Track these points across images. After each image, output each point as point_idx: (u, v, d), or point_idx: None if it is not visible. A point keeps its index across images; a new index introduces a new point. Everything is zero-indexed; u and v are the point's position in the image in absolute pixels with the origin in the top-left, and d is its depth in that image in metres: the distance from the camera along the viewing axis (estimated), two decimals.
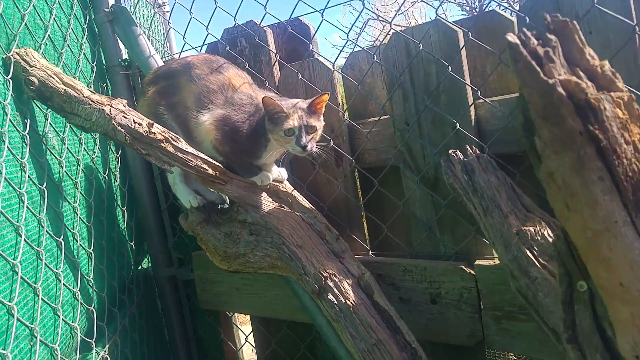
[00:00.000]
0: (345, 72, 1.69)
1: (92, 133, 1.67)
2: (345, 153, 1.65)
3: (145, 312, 1.98)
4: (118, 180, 1.99)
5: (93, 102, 1.35)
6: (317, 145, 1.45)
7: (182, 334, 2.16)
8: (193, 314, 2.18)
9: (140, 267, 2.09)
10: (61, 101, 1.34)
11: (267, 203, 1.57)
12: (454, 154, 1.36)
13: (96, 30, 1.98)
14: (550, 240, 1.12)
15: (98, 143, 1.84)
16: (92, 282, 1.54)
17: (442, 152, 1.44)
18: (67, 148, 1.56)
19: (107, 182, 1.87)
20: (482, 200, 1.29)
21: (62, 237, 1.36)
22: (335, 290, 1.41)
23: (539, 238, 1.13)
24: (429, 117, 1.49)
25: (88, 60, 1.89)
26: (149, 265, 2.19)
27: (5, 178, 1.15)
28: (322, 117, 1.48)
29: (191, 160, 1.42)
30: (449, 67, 1.38)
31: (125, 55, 2.02)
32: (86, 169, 1.69)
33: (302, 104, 1.44)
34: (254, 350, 2.17)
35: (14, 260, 1.13)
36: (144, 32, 2.00)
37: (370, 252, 1.67)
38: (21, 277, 1.14)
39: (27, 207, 1.21)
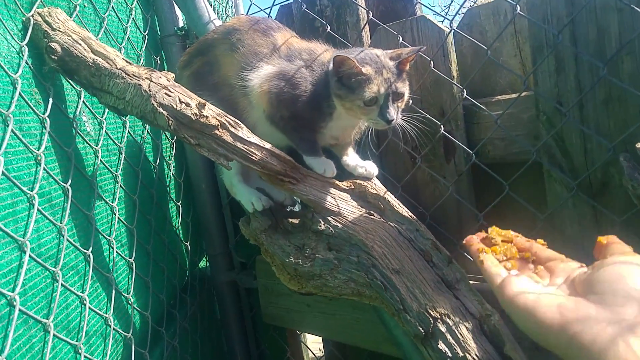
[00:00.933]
0: (459, 35, 1.23)
1: (128, 116, 1.36)
2: (460, 143, 1.20)
3: (201, 320, 1.70)
4: (172, 170, 1.69)
5: (128, 75, 1.02)
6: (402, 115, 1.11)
7: (243, 346, 1.86)
8: (256, 326, 1.87)
9: (196, 269, 1.80)
10: (89, 74, 1.02)
11: (352, 209, 1.18)
12: None
13: None
14: None
15: (148, 126, 1.53)
16: (132, 299, 1.24)
17: (619, 146, 0.97)
18: (107, 133, 1.26)
19: (159, 173, 1.57)
20: None
21: (90, 248, 1.05)
22: (448, 337, 1.00)
23: None
24: (599, 95, 1.01)
25: (139, 29, 1.57)
26: (207, 265, 1.90)
27: (6, 176, 0.84)
28: (406, 78, 1.12)
29: (254, 153, 1.06)
30: None
31: (182, 23, 1.69)
32: (131, 159, 1.39)
33: (386, 60, 1.08)
34: None
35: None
36: None
37: None
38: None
39: (38, 211, 0.90)
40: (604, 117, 1.01)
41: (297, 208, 1.36)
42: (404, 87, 1.10)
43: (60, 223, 0.96)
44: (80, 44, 1.01)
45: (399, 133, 1.16)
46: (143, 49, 1.57)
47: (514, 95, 1.17)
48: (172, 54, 1.67)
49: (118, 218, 1.22)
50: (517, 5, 1.02)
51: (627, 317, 0.55)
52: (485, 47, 1.07)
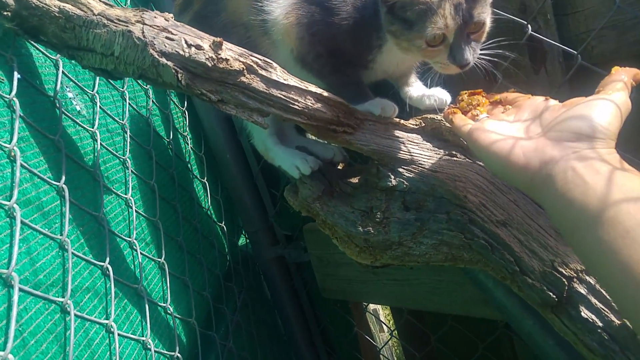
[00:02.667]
0: None
1: (123, 79, 1.09)
2: (554, 42, 0.92)
3: (252, 308, 1.50)
4: (190, 143, 1.44)
5: (111, 20, 0.75)
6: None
7: (302, 325, 1.67)
8: (313, 303, 1.67)
9: (236, 250, 1.58)
10: (58, 29, 0.75)
11: (427, 153, 0.92)
12: None
13: None
14: None
15: (152, 94, 1.27)
16: (171, 308, 1.02)
17: None
18: (102, 109, 1.00)
19: (175, 149, 1.32)
20: None
21: (107, 259, 0.82)
22: (592, 299, 0.75)
23: None
24: None
25: None
26: (247, 243, 1.68)
27: None
28: None
29: (297, 100, 0.79)
30: None
31: None
32: (139, 137, 1.14)
33: None
34: (400, 346, 1.63)
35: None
36: None
37: None
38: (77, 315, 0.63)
39: (24, 225, 0.66)
40: None
41: None
42: (484, 12, 0.78)
43: (60, 235, 0.72)
44: None
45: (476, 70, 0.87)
46: (128, 1, 1.29)
47: None
48: (162, 2, 1.38)
49: (136, 212, 0.98)
50: None
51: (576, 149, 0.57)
52: None
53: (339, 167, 1.09)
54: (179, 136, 1.40)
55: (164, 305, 0.98)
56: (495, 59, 0.83)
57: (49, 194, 0.73)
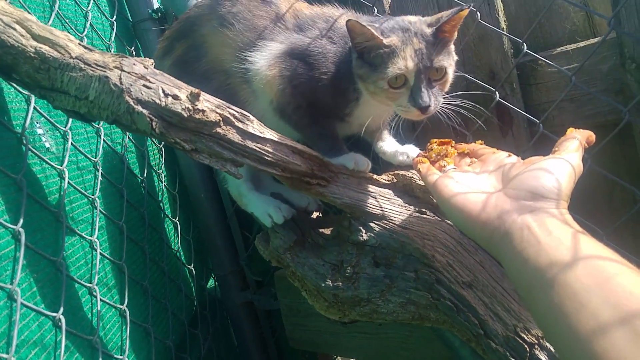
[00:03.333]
0: None
1: (95, 122, 1.08)
2: (519, 110, 0.95)
3: (217, 356, 1.44)
4: (164, 181, 1.42)
5: (89, 65, 0.75)
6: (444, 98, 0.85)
7: None
8: (281, 353, 1.62)
9: (204, 294, 1.54)
10: (32, 69, 0.75)
11: (398, 209, 0.93)
12: None
13: None
14: None
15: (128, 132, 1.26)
16: (127, 350, 0.98)
17: None
18: (74, 146, 0.99)
19: (148, 187, 1.31)
20: None
21: (60, 310, 0.78)
22: None
23: None
24: None
25: (104, 14, 1.29)
26: (215, 285, 1.64)
27: None
28: (453, 48, 0.84)
29: (271, 152, 0.80)
30: None
31: (157, 4, 1.42)
32: (112, 175, 1.12)
33: (422, 26, 0.81)
34: None
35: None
36: None
37: None
38: None
39: None
40: None
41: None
42: (446, 61, 0.82)
43: (10, 284, 0.68)
44: (14, 28, 0.74)
45: (442, 118, 0.90)
46: (112, 38, 1.30)
47: (582, 44, 0.92)
48: (149, 42, 1.41)
49: (101, 254, 0.95)
50: None
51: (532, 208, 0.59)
52: None
53: (312, 216, 1.09)
54: (154, 174, 1.38)
55: (121, 357, 0.93)
56: (463, 110, 0.85)
57: (4, 238, 0.70)
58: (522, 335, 0.77)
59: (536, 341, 0.77)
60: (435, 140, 0.88)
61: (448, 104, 0.85)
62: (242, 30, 0.94)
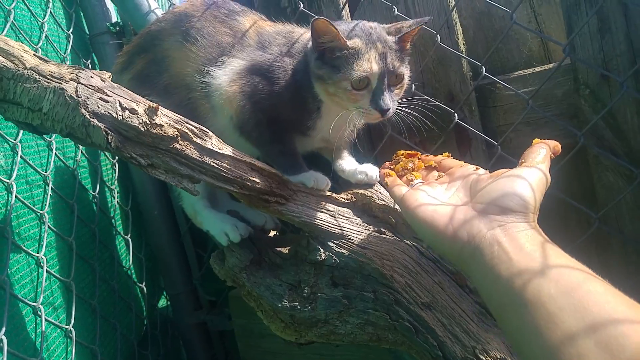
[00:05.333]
0: (459, 3, 1.03)
1: (48, 135, 1.04)
2: (477, 132, 0.99)
3: None
4: (117, 197, 1.37)
5: (44, 76, 0.72)
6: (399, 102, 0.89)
7: None
8: None
9: (155, 313, 1.48)
10: None
11: (357, 228, 0.94)
12: None
13: None
14: None
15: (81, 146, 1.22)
16: None
17: None
18: (24, 159, 0.94)
19: (100, 203, 1.26)
20: None
21: (2, 329, 0.73)
22: None
23: None
24: None
25: (60, 26, 1.26)
26: (168, 305, 1.58)
27: None
28: (408, 58, 0.89)
29: (229, 169, 0.79)
30: None
31: (116, 18, 1.40)
32: (63, 189, 1.07)
33: (381, 31, 0.85)
34: None
35: None
36: None
37: None
38: None
39: None
40: None
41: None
42: (404, 68, 0.87)
43: None
44: None
45: (397, 124, 0.94)
46: (68, 51, 1.26)
47: (538, 69, 0.98)
48: (106, 55, 1.38)
49: (47, 272, 0.90)
50: None
51: (501, 223, 0.58)
52: (508, 10, 0.87)
53: (270, 235, 1.08)
54: (106, 189, 1.33)
55: None
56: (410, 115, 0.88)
57: None
58: (481, 357, 0.79)
59: None
60: (402, 152, 0.89)
61: (401, 108, 0.88)
62: (205, 45, 0.94)
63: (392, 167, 0.87)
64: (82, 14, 1.40)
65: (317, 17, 0.79)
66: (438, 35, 0.96)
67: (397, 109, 0.87)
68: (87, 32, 1.41)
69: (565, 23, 0.90)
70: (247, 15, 0.98)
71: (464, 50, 1.02)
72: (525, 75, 0.98)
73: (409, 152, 0.88)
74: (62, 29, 1.27)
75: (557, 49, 0.98)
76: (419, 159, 0.86)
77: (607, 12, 0.85)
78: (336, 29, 0.80)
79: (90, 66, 1.38)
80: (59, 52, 1.22)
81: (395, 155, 0.89)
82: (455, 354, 0.79)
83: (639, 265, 0.92)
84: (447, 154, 0.85)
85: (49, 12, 1.21)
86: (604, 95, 0.88)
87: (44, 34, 1.15)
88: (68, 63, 1.25)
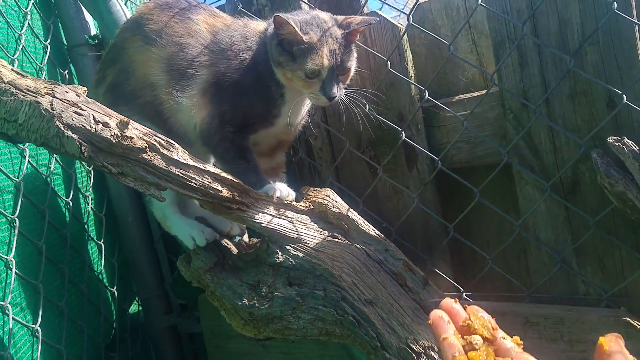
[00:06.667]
0: (412, 31, 1.14)
1: (23, 144, 1.10)
2: (422, 149, 1.10)
3: None
4: (90, 203, 1.43)
5: (20, 90, 0.80)
6: (351, 91, 1.01)
7: None
8: None
9: (125, 317, 1.53)
10: None
11: (313, 233, 1.03)
12: (619, 144, 0.84)
13: None
14: None
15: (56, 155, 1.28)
16: None
17: (588, 143, 0.92)
18: None
19: (73, 209, 1.31)
20: None
21: None
22: None
23: None
24: (564, 89, 0.95)
25: (37, 37, 1.32)
26: (140, 310, 1.64)
27: None
28: (354, 49, 1.00)
29: (194, 179, 0.87)
30: (614, 2, 0.83)
31: (95, 30, 1.46)
32: (34, 196, 1.13)
33: (334, 28, 0.96)
34: None
35: None
36: None
37: (463, 294, 1.13)
38: None
39: None
40: (570, 112, 0.96)
41: (245, 237, 1.18)
42: (351, 61, 0.99)
43: None
44: None
45: (342, 111, 1.05)
46: (45, 61, 1.32)
47: (476, 94, 1.09)
48: (84, 66, 1.44)
49: (16, 274, 0.96)
50: None
51: None
52: (447, 42, 0.99)
53: (234, 240, 1.16)
54: (80, 196, 1.39)
55: None
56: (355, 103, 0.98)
57: None
58: (412, 346, 0.89)
59: (423, 350, 0.89)
60: (473, 310, 0.66)
61: (348, 93, 0.99)
62: (165, 46, 1.01)
63: (456, 325, 0.65)
64: (60, 25, 1.46)
65: (278, 14, 0.90)
66: (388, 62, 1.06)
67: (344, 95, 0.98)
68: (66, 43, 1.47)
69: (494, 56, 1.01)
70: (200, 13, 1.05)
71: (413, 75, 1.12)
72: (464, 99, 1.09)
73: (484, 321, 0.66)
74: (40, 40, 1.33)
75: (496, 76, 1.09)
76: (493, 347, 0.64)
77: (525, 49, 0.97)
78: (294, 27, 0.90)
79: (67, 77, 1.44)
80: (35, 63, 1.28)
81: (468, 313, 0.66)
82: (391, 344, 0.89)
83: (552, 267, 1.03)
84: (517, 339, 0.66)
85: (26, 24, 1.27)
86: (524, 119, 1.00)
87: (21, 46, 1.21)
88: (44, 74, 1.32)
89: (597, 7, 0.89)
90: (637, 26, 0.88)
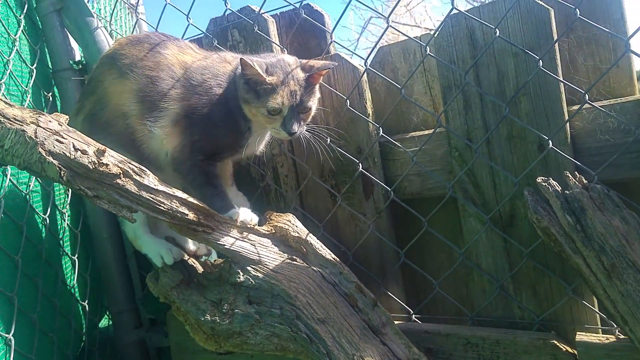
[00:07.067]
0: (373, 72, 1.25)
1: (6, 167, 1.17)
2: (378, 180, 1.20)
3: None
4: (67, 220, 1.49)
5: (7, 119, 0.87)
6: (315, 128, 1.12)
7: None
8: None
9: (95, 331, 1.58)
10: None
11: (273, 256, 1.11)
12: (546, 184, 0.94)
13: (39, 22, 1.51)
14: None
15: None
16: None
17: (522, 181, 1.02)
18: None
19: (50, 225, 1.38)
20: (603, 255, 0.87)
21: None
22: None
23: None
24: (502, 132, 1.07)
25: (24, 62, 1.40)
26: (110, 325, 1.68)
27: None
28: (318, 88, 1.12)
29: (163, 203, 0.96)
30: (540, 61, 0.95)
31: (79, 56, 1.55)
32: (13, 212, 1.20)
33: (298, 72, 1.06)
34: None
35: None
36: (104, 24, 1.54)
37: (412, 315, 1.22)
38: None
39: None
40: (507, 152, 1.07)
41: (214, 256, 1.26)
42: (311, 101, 1.09)
43: None
44: None
45: (304, 145, 1.14)
46: (30, 84, 1.40)
47: (427, 132, 1.20)
48: (67, 90, 1.52)
49: None
50: (427, 47, 1.06)
51: None
52: (399, 86, 1.10)
53: (201, 260, 1.23)
54: (57, 213, 1.46)
55: None
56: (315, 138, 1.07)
57: None
58: None
59: None
60: None
61: (309, 130, 1.10)
62: (137, 79, 1.10)
63: None
64: (47, 50, 1.54)
65: (242, 57, 1.00)
66: (347, 101, 1.17)
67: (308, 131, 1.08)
68: (51, 67, 1.55)
69: (442, 99, 1.13)
70: (169, 48, 1.14)
71: (371, 113, 1.23)
72: (415, 137, 1.20)
73: None
74: (26, 64, 1.41)
75: (442, 117, 1.20)
76: None
77: (469, 95, 1.08)
78: (258, 69, 1.00)
79: (51, 99, 1.52)
80: (21, 86, 1.36)
81: None
82: (339, 359, 0.97)
83: (492, 293, 1.13)
84: None
85: (15, 50, 1.35)
86: (468, 157, 1.11)
87: (9, 70, 1.29)
88: (29, 96, 1.40)
89: (528, 63, 1.02)
90: (558, 87, 1.00)
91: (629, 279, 0.84)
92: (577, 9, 0.90)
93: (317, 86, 1.12)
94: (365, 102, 1.21)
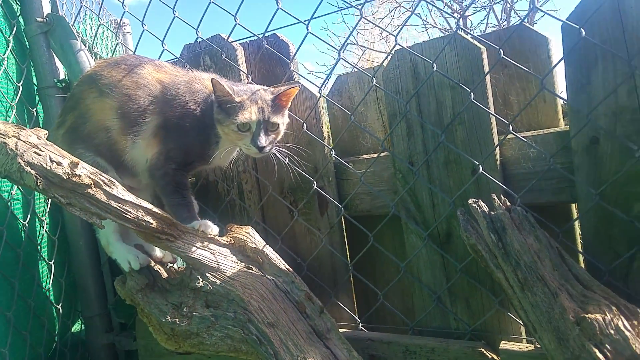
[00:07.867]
0: (332, 99, 1.38)
1: None
2: (331, 198, 1.32)
3: None
4: (45, 227, 1.58)
5: None
6: (277, 146, 1.22)
7: None
8: None
9: (68, 334, 1.66)
10: None
11: (231, 264, 1.21)
12: (475, 205, 1.06)
13: (26, 43, 1.63)
14: (629, 334, 0.81)
15: None
16: None
17: (457, 202, 1.14)
18: None
19: (29, 231, 1.47)
20: (518, 270, 0.98)
21: None
22: None
23: (611, 331, 0.82)
24: (440, 157, 1.19)
25: (11, 79, 1.51)
26: (82, 329, 1.76)
27: None
28: (286, 113, 1.22)
29: (129, 212, 1.06)
30: (472, 93, 1.08)
31: (63, 75, 1.66)
32: None
33: (265, 94, 1.17)
34: None
35: None
36: (87, 46, 1.66)
37: (359, 324, 1.33)
38: None
39: None
40: (445, 176, 1.19)
41: (180, 263, 1.35)
42: (279, 119, 1.18)
43: None
44: None
45: (274, 164, 1.25)
46: (16, 100, 1.51)
47: (375, 155, 1.32)
48: (51, 105, 1.63)
49: None
50: (374, 78, 1.19)
51: None
52: (349, 112, 1.22)
53: (166, 266, 1.33)
54: (37, 220, 1.55)
55: None
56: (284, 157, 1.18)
57: None
58: None
59: None
60: None
61: (279, 148, 1.21)
62: (118, 98, 1.21)
63: None
64: (33, 68, 1.66)
65: (213, 78, 1.12)
66: (304, 124, 1.29)
67: (276, 150, 1.19)
68: (36, 84, 1.66)
69: (389, 126, 1.25)
70: (145, 67, 1.25)
71: (327, 136, 1.35)
72: (365, 159, 1.32)
73: None
74: (13, 82, 1.52)
75: (389, 141, 1.32)
76: None
77: (412, 122, 1.21)
78: (227, 88, 1.11)
79: (35, 114, 1.62)
80: (7, 102, 1.47)
81: None
82: None
83: (430, 304, 1.24)
84: None
85: (3, 69, 1.46)
86: (410, 179, 1.23)
87: None
88: (14, 110, 1.50)
89: (463, 95, 1.14)
90: (489, 118, 1.13)
91: (538, 291, 0.95)
92: (500, 50, 1.02)
93: (286, 111, 1.22)
94: (322, 126, 1.33)
